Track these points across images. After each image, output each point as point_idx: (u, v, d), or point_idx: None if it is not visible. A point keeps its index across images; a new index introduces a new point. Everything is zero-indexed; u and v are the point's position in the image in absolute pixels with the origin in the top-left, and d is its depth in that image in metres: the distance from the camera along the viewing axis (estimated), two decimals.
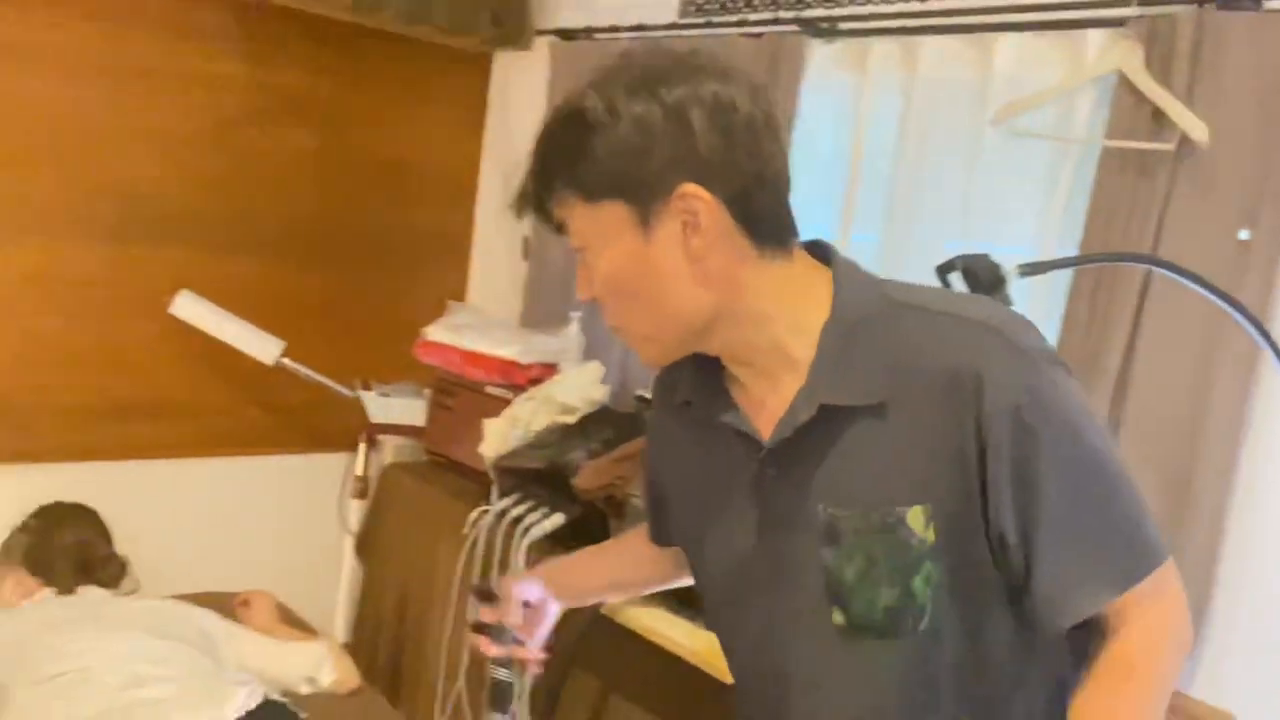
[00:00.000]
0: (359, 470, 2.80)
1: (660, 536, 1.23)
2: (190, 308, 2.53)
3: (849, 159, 2.18)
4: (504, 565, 2.13)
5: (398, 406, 2.72)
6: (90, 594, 1.73)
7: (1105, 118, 1.73)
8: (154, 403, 2.65)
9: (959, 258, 1.20)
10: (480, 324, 2.68)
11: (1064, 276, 1.70)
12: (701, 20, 2.41)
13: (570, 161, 0.92)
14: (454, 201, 3.12)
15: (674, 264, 0.92)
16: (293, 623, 2.02)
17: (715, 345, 0.99)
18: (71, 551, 1.78)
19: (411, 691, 2.40)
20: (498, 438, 2.33)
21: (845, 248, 2.19)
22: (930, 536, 0.92)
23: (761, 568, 1.01)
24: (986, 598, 0.95)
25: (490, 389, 2.49)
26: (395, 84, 2.92)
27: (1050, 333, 1.76)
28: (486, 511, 2.25)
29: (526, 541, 2.10)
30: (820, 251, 1.00)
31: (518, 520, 2.16)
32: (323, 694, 1.74)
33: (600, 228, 0.93)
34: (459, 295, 3.18)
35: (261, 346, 2.60)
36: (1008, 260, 1.23)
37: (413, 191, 3.02)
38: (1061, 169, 1.82)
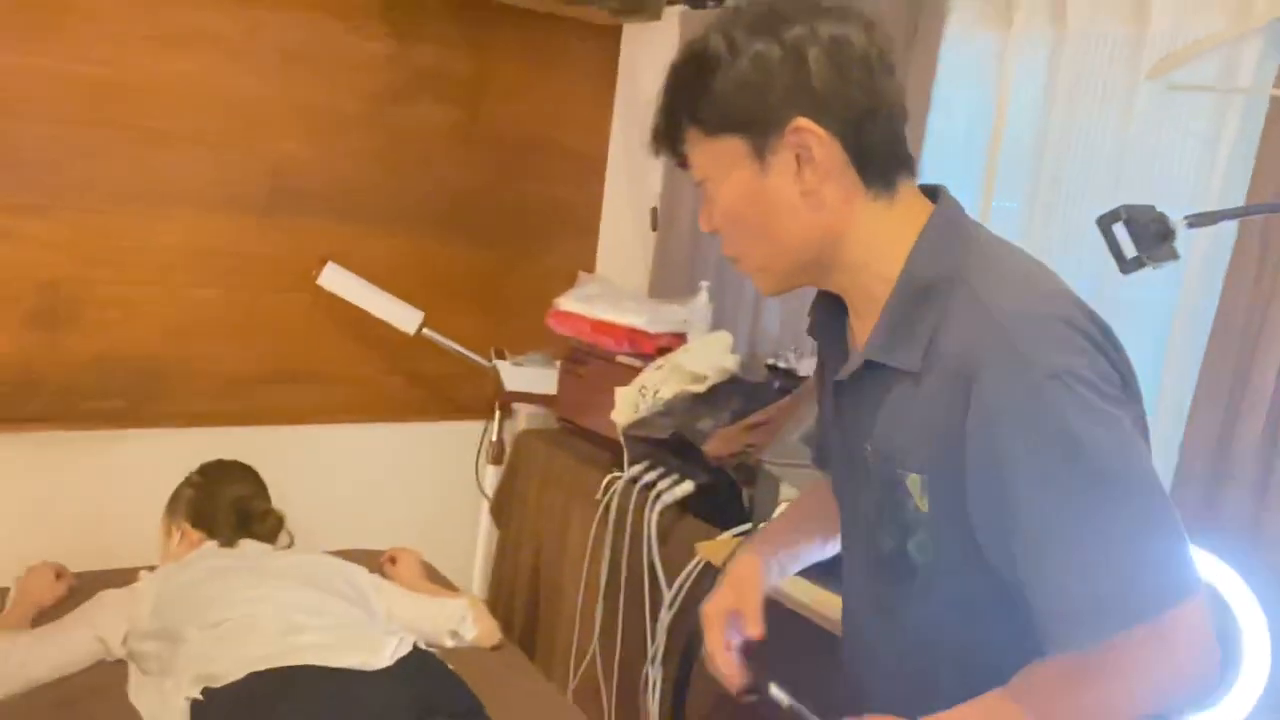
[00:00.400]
0: (494, 437, 2.88)
1: (820, 459, 1.26)
2: (336, 279, 2.64)
3: (991, 121, 2.11)
4: (636, 531, 2.16)
5: (531, 375, 2.78)
6: (250, 547, 1.83)
7: (1274, 66, 1.62)
8: (302, 371, 2.78)
9: (1123, 207, 1.15)
10: (610, 294, 2.71)
11: (1228, 231, 1.62)
12: None
13: (693, 98, 0.97)
14: (584, 174, 3.16)
15: (787, 196, 0.96)
16: (436, 580, 2.09)
17: (826, 280, 1.03)
18: (233, 506, 1.88)
19: (546, 650, 2.46)
20: (628, 406, 2.35)
21: (986, 216, 2.13)
22: (924, 505, 0.94)
23: (846, 484, 1.09)
24: (977, 592, 0.95)
25: (620, 358, 2.51)
26: (528, 58, 2.96)
27: (1214, 287, 1.68)
28: (618, 478, 2.28)
29: (658, 508, 2.12)
30: (934, 195, 1.02)
31: (649, 487, 2.18)
32: (465, 648, 1.80)
33: (719, 161, 0.97)
34: (588, 267, 3.22)
35: (403, 317, 2.69)
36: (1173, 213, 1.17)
37: (544, 164, 3.06)
38: (1224, 123, 1.72)
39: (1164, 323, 1.86)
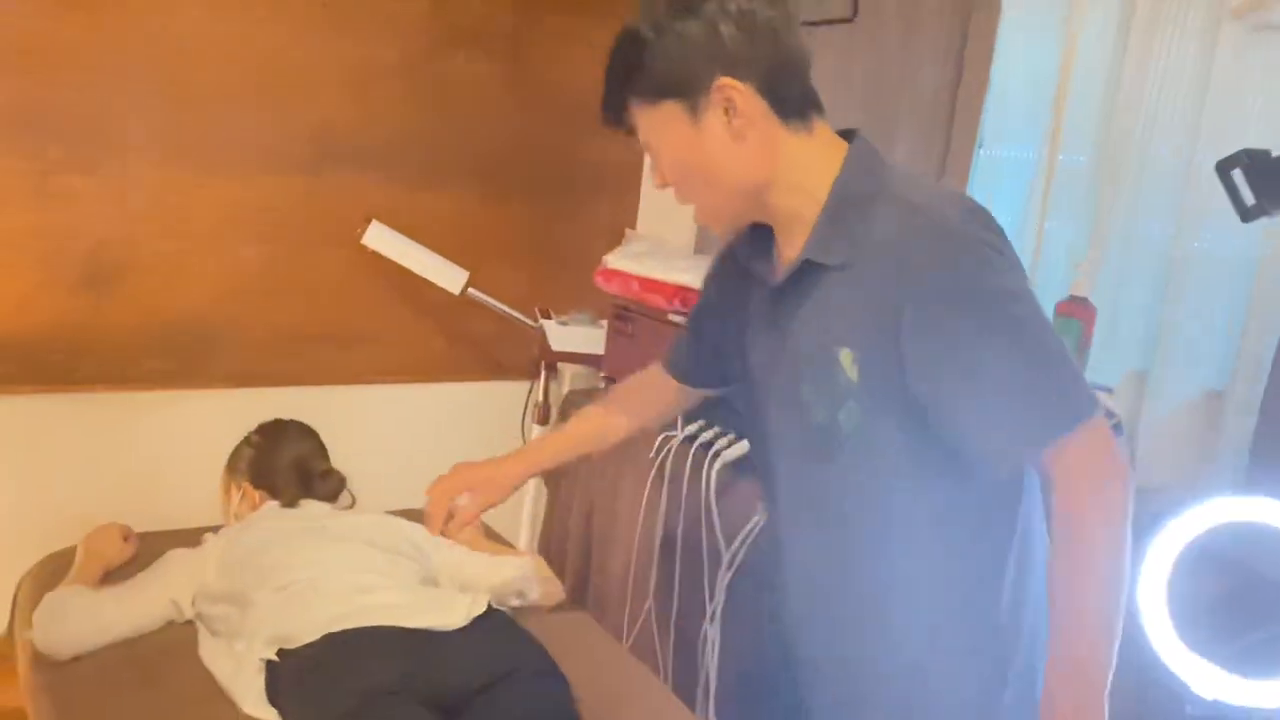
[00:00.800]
0: (540, 397, 2.86)
1: (687, 372, 1.50)
2: (381, 238, 2.61)
3: (1056, 72, 2.05)
4: (693, 490, 2.14)
5: (577, 335, 2.75)
6: (312, 508, 1.82)
7: None
8: (347, 330, 2.76)
9: (1244, 152, 1.11)
10: (658, 251, 2.67)
11: None
12: None
13: (629, 75, 1.15)
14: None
15: (722, 144, 1.14)
16: (494, 539, 2.08)
17: (763, 211, 1.21)
18: (294, 466, 1.87)
19: (597, 610, 2.45)
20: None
21: (1052, 171, 2.08)
22: (854, 377, 1.12)
23: (771, 373, 1.25)
24: (904, 445, 1.13)
25: (670, 316, 2.48)
26: (570, 9, 2.90)
27: None
28: (673, 437, 2.25)
29: (716, 466, 2.10)
30: (849, 136, 1.20)
31: (706, 446, 2.16)
32: (527, 606, 1.79)
33: (661, 124, 1.15)
34: (629, 223, 3.18)
35: (448, 276, 2.67)
36: None
37: (586, 118, 2.98)
38: None
39: (1245, 279, 1.81)
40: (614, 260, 2.64)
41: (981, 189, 2.23)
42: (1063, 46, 2.04)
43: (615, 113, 1.20)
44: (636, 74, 1.15)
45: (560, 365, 2.87)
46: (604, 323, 2.78)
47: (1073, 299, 1.92)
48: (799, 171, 1.16)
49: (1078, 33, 2.00)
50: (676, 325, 2.44)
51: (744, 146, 1.14)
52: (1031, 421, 1.06)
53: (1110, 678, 1.08)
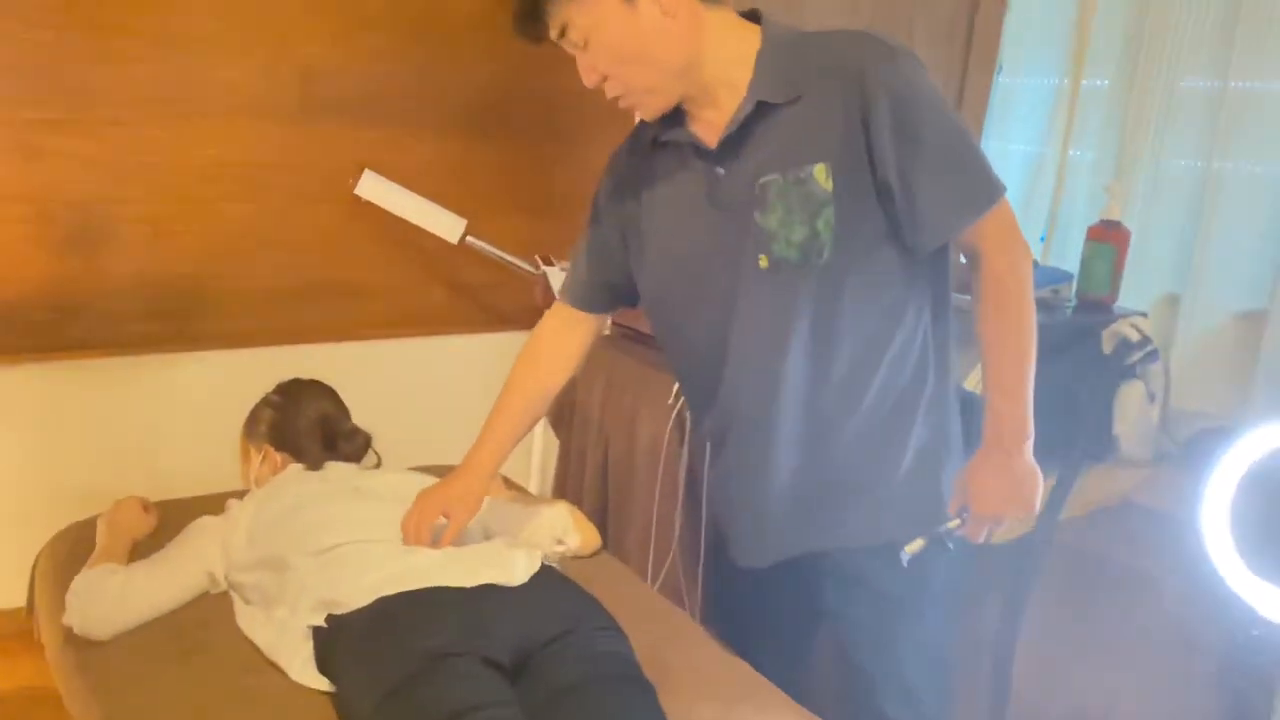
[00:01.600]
0: None
1: (593, 301, 1.59)
2: (375, 187, 2.51)
3: None
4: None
5: None
6: (338, 469, 1.75)
7: None
8: (341, 284, 2.67)
9: None
10: None
11: None
12: None
13: None
14: None
15: (657, 24, 1.25)
16: (514, 488, 2.03)
17: (692, 84, 1.29)
18: (318, 425, 1.79)
19: (618, 556, 2.42)
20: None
21: (1075, 94, 2.03)
22: (829, 186, 1.25)
23: (715, 248, 1.34)
24: (872, 237, 1.28)
25: None
26: None
27: None
28: None
29: None
30: (752, 17, 1.33)
31: None
32: (568, 556, 1.75)
33: (598, 15, 1.24)
34: None
35: (446, 225, 2.58)
36: None
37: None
38: None
39: (1278, 199, 1.79)
40: None
41: (1000, 116, 2.18)
42: None
43: (534, 20, 1.28)
44: None
45: None
46: None
47: (1104, 223, 1.89)
48: (722, 43, 1.29)
49: None
50: None
51: (676, 24, 1.25)
52: (971, 195, 1.26)
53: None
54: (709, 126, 1.32)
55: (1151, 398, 1.80)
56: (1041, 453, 1.78)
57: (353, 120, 2.58)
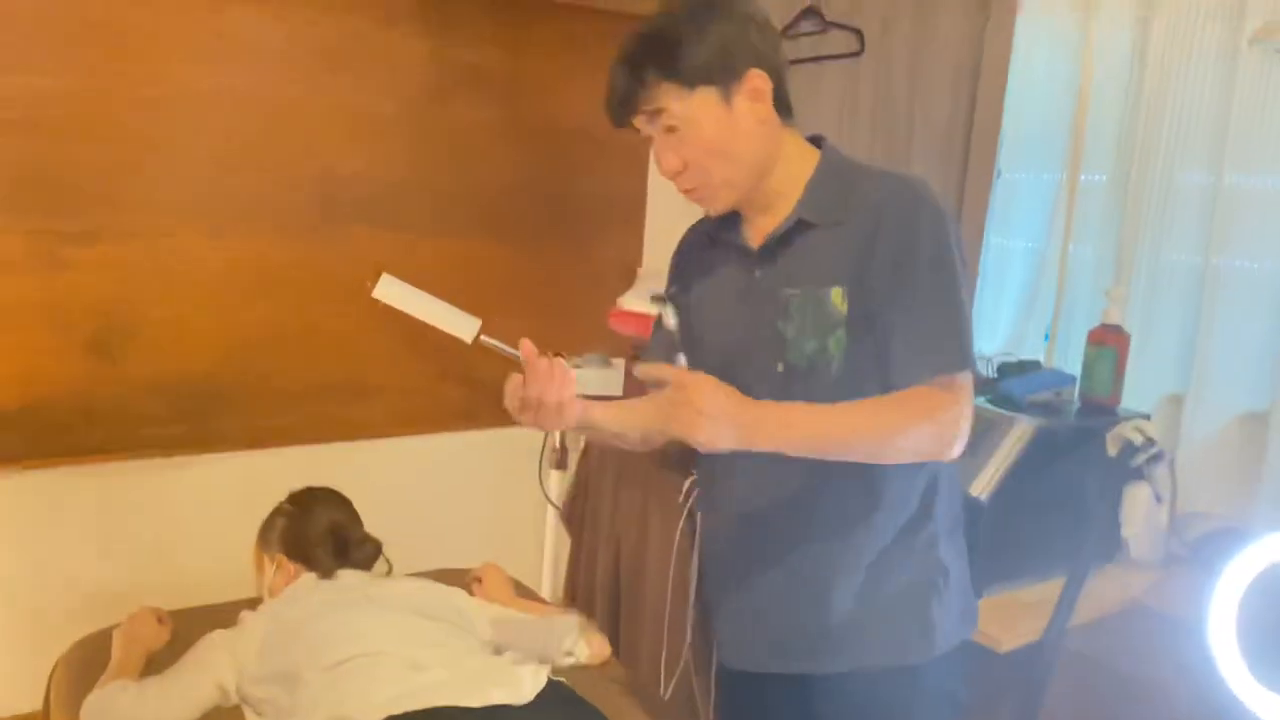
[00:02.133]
0: (556, 442, 2.83)
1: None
2: (392, 290, 2.55)
3: (1074, 93, 2.05)
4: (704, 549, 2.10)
5: (593, 377, 2.72)
6: (349, 578, 1.77)
7: None
8: (357, 384, 2.71)
9: None
10: None
11: None
12: None
13: (668, 63, 1.28)
14: (626, 165, 3.09)
15: (748, 126, 1.32)
16: (525, 595, 2.04)
17: (758, 188, 1.37)
18: (329, 534, 1.82)
19: (630, 660, 2.41)
20: None
21: (1073, 189, 2.08)
22: (844, 309, 1.32)
23: (744, 344, 1.40)
24: (872, 367, 1.32)
25: None
26: (563, 51, 2.89)
27: None
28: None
29: None
30: (816, 140, 1.42)
31: None
32: (577, 668, 1.75)
33: (695, 108, 1.30)
34: (634, 260, 3.16)
35: (461, 325, 2.62)
36: None
37: (586, 159, 3.00)
38: None
39: (1275, 296, 1.81)
40: (628, 302, 2.62)
41: (1002, 213, 2.22)
42: (1079, 72, 2.04)
43: (631, 102, 1.32)
44: (675, 63, 1.28)
45: None
46: (616, 362, 2.75)
47: (1105, 327, 1.92)
48: (788, 158, 1.38)
49: (1094, 59, 2.00)
50: None
51: (763, 130, 1.34)
52: (940, 355, 1.29)
53: (795, 444, 1.27)
54: (758, 232, 1.40)
55: (1158, 499, 1.81)
56: (1050, 556, 1.79)
57: (369, 223, 2.65)
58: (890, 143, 2.28)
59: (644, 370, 1.32)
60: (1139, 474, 1.81)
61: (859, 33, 2.34)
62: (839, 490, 1.37)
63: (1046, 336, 2.13)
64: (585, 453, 2.67)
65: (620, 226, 3.10)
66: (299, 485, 2.01)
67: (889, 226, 1.30)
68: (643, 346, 2.56)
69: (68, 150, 2.23)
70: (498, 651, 1.67)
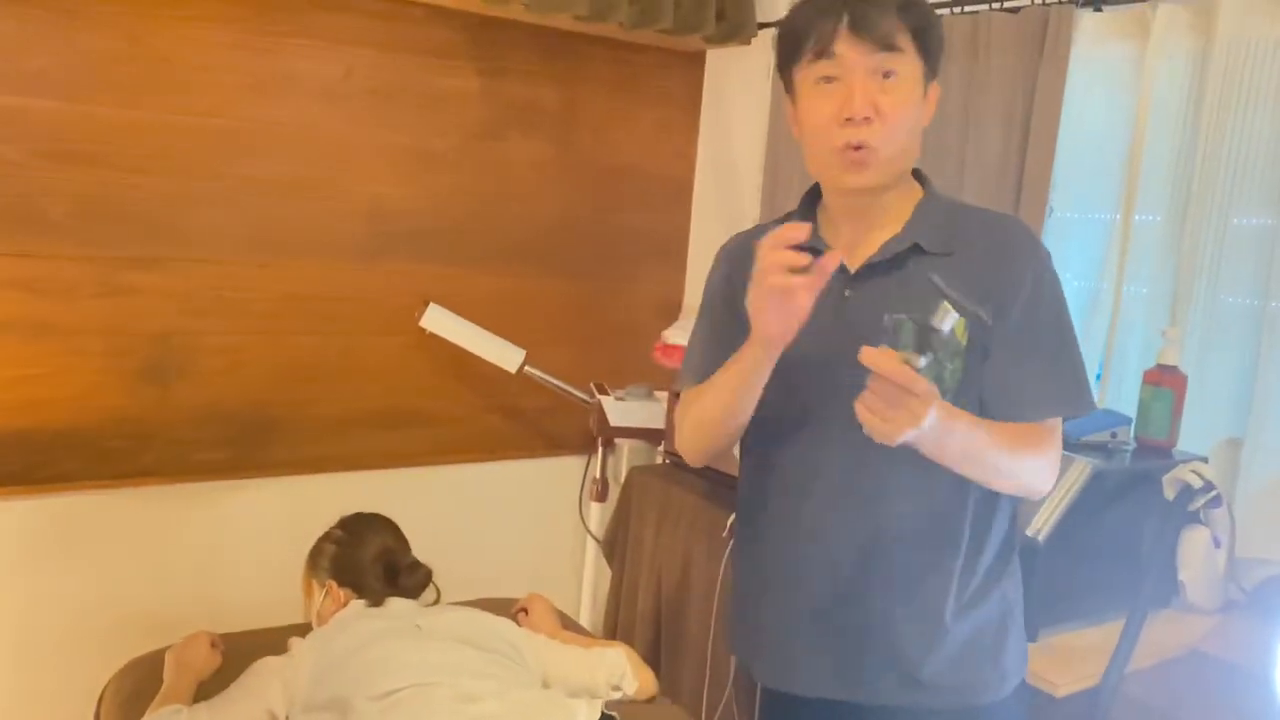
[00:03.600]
0: (597, 473, 2.83)
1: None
2: (439, 320, 2.60)
3: (1129, 134, 2.04)
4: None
5: (635, 410, 2.72)
6: (398, 605, 1.77)
7: None
8: (404, 412, 2.74)
9: None
10: None
11: None
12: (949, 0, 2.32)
13: (927, 25, 1.32)
14: (671, 201, 3.11)
15: (919, 119, 1.34)
16: (570, 627, 2.03)
17: (885, 189, 1.35)
18: (379, 560, 1.82)
19: (673, 692, 2.39)
20: None
21: (1127, 229, 2.06)
22: (964, 339, 1.25)
23: (828, 364, 1.33)
24: (972, 400, 1.31)
25: None
26: (613, 88, 2.93)
27: None
28: None
29: None
30: (916, 173, 1.43)
31: None
32: (624, 701, 1.74)
33: (912, 71, 1.31)
34: (676, 295, 3.17)
35: (505, 356, 2.65)
36: None
37: (634, 194, 3.02)
38: None
39: None
40: (673, 335, 2.63)
41: (1055, 252, 2.20)
42: (1134, 110, 2.04)
43: (886, 27, 1.28)
44: (928, 30, 1.31)
45: (618, 440, 2.84)
46: (659, 395, 2.75)
47: (1161, 368, 1.90)
48: (908, 179, 1.39)
49: (1149, 98, 2.00)
50: None
51: (920, 132, 1.36)
52: (1071, 393, 1.32)
53: (950, 452, 1.25)
54: (847, 247, 1.36)
55: (1217, 544, 1.78)
56: (1106, 599, 1.77)
57: (418, 256, 2.68)
58: (942, 180, 2.26)
59: (874, 358, 1.17)
60: (1196, 517, 1.78)
61: None
62: (924, 522, 1.34)
63: (1099, 376, 2.11)
64: (626, 485, 2.67)
65: (664, 261, 3.12)
66: (345, 511, 2.02)
67: (1023, 265, 1.31)
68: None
69: (128, 180, 2.29)
70: (547, 684, 1.67)
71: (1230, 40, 1.85)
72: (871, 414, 1.16)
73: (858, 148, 1.28)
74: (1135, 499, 1.78)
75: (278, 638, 1.76)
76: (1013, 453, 1.28)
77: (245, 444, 2.52)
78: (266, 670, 1.63)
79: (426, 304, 2.60)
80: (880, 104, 1.28)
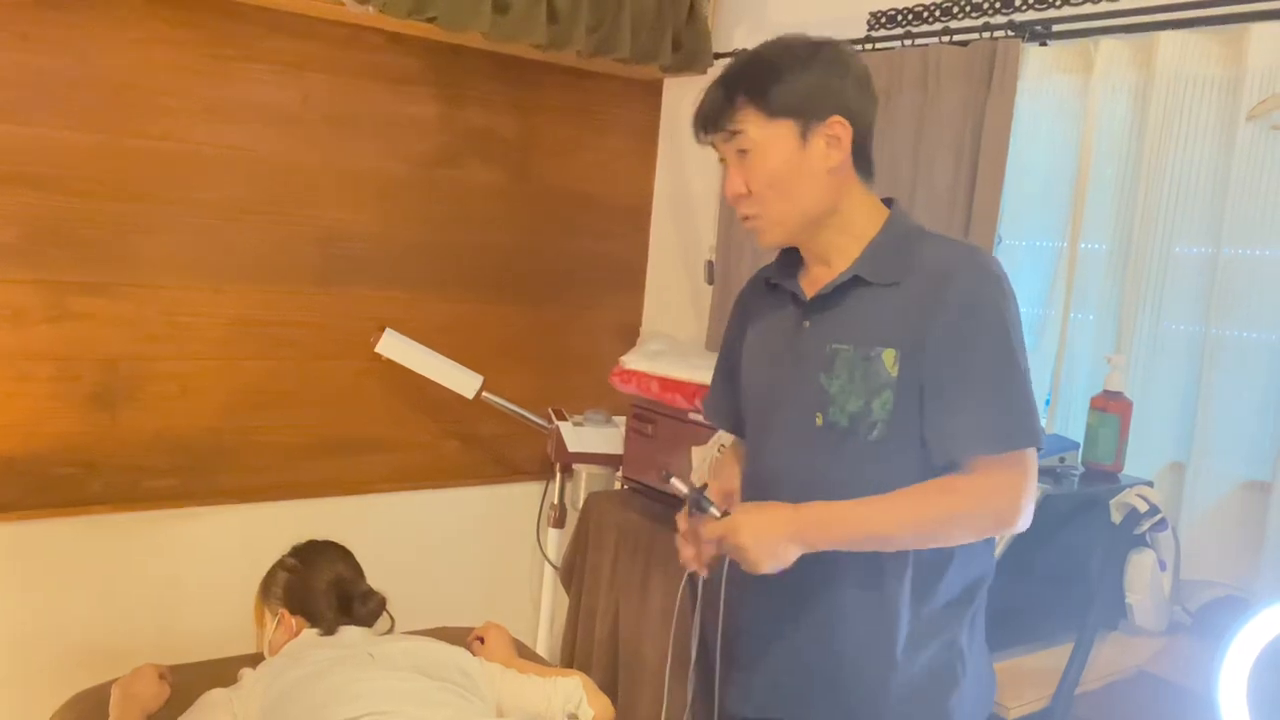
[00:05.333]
0: (555, 499, 2.82)
1: (716, 412, 1.66)
2: (395, 346, 2.59)
3: (1074, 164, 2.09)
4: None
5: (593, 435, 2.72)
6: (351, 634, 1.75)
7: None
8: (358, 439, 2.72)
9: None
10: (674, 350, 2.66)
11: None
12: (900, 32, 2.36)
13: (764, 86, 1.33)
14: (629, 228, 3.14)
15: (815, 169, 1.35)
16: (526, 655, 2.02)
17: (811, 236, 1.40)
18: (333, 588, 1.80)
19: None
20: (707, 466, 2.30)
21: (1073, 258, 2.11)
22: (894, 372, 1.32)
23: (784, 391, 1.43)
24: (914, 434, 1.33)
25: (692, 415, 2.46)
26: (571, 116, 2.95)
27: None
28: None
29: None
30: (887, 202, 1.44)
31: None
32: None
33: (772, 136, 1.34)
34: (635, 321, 3.19)
35: (462, 381, 2.64)
36: None
37: (591, 221, 3.04)
38: None
39: (1278, 365, 1.83)
40: (631, 361, 2.63)
41: None
42: (1080, 141, 2.09)
43: (722, 115, 1.36)
44: (766, 91, 1.33)
45: (576, 466, 2.84)
46: (617, 421, 2.76)
47: (1107, 393, 1.94)
48: (854, 213, 1.40)
49: (1094, 130, 2.05)
50: (698, 425, 2.43)
51: (829, 179, 1.36)
52: (1006, 430, 1.29)
53: (832, 542, 1.31)
54: (812, 282, 1.43)
55: (1163, 566, 1.81)
56: (1056, 621, 1.79)
57: (374, 281, 2.67)
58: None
59: (684, 534, 1.42)
60: (1143, 540, 1.81)
61: None
62: (878, 567, 1.36)
63: (1047, 402, 2.15)
64: (584, 512, 2.67)
65: (622, 288, 3.13)
66: (299, 539, 1.99)
67: (954, 296, 1.30)
68: (643, 406, 2.58)
69: (80, 203, 2.26)
70: (501, 713, 1.66)
71: (1170, 75, 1.91)
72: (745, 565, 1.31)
73: (746, 218, 1.40)
74: (1083, 523, 1.81)
75: (228, 669, 1.74)
76: (932, 520, 1.29)
77: (196, 471, 2.48)
78: (215, 703, 1.60)
79: (382, 329, 2.59)
80: (748, 180, 1.36)
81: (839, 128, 1.34)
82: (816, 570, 1.36)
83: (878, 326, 1.34)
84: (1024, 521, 1.30)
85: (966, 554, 1.39)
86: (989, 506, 1.29)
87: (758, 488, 1.48)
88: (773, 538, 1.28)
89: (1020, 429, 1.29)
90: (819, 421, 1.37)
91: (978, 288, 1.31)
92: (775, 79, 1.33)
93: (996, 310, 1.30)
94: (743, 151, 1.36)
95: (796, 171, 1.34)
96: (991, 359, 1.29)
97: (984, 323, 1.29)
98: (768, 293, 1.51)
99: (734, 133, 1.35)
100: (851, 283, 1.37)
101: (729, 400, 1.60)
